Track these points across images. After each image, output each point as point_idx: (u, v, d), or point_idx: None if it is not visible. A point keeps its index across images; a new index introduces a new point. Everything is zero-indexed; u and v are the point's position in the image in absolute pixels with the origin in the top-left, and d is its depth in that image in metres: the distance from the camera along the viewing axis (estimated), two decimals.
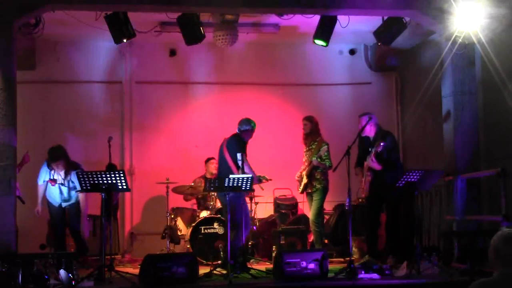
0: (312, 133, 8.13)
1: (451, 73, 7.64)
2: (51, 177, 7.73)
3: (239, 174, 6.94)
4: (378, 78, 10.53)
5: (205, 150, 9.30)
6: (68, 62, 9.80)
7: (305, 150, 8.18)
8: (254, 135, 7.47)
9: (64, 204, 7.83)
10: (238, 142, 7.27)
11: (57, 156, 7.64)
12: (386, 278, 6.39)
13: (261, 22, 9.00)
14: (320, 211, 8.03)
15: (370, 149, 7.39)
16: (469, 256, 6.72)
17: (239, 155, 7.12)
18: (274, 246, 8.25)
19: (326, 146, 7.97)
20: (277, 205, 9.39)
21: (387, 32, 7.95)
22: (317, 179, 7.97)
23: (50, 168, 7.72)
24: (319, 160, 7.90)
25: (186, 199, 9.14)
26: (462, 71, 7.62)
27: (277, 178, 8.63)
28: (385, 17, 7.89)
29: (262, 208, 9.10)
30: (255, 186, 7.72)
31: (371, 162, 7.36)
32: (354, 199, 8.47)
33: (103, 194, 6.53)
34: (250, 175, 6.73)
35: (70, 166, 7.70)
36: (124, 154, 9.87)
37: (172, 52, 10.06)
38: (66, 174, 7.71)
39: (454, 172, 7.48)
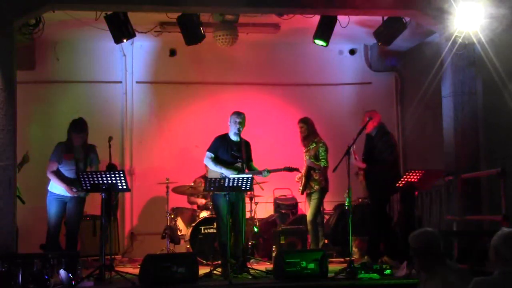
0: (310, 134, 8.13)
1: (451, 73, 7.63)
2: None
3: (207, 175, 7.20)
4: (378, 78, 10.52)
5: (205, 150, 9.28)
6: (68, 62, 9.78)
7: (304, 151, 8.18)
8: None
9: (68, 199, 7.08)
10: (212, 142, 7.35)
11: (84, 127, 7.15)
12: (386, 278, 6.40)
13: (261, 22, 9.00)
14: (317, 212, 8.01)
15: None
16: (469, 256, 6.72)
17: (207, 154, 7.28)
18: (274, 246, 8.24)
19: (315, 144, 7.97)
20: (277, 205, 9.39)
21: (387, 32, 7.96)
22: (315, 180, 7.97)
23: (65, 149, 7.04)
24: (312, 160, 7.89)
25: (190, 202, 9.09)
26: (462, 71, 7.61)
27: (277, 178, 8.60)
28: (385, 17, 7.89)
29: (262, 208, 9.10)
30: (255, 186, 7.75)
31: (355, 161, 7.41)
32: (354, 199, 8.46)
33: (103, 194, 6.53)
34: (250, 175, 6.74)
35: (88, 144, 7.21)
36: (124, 154, 9.86)
37: (172, 52, 10.06)
38: (86, 152, 7.11)
39: (454, 172, 7.47)
